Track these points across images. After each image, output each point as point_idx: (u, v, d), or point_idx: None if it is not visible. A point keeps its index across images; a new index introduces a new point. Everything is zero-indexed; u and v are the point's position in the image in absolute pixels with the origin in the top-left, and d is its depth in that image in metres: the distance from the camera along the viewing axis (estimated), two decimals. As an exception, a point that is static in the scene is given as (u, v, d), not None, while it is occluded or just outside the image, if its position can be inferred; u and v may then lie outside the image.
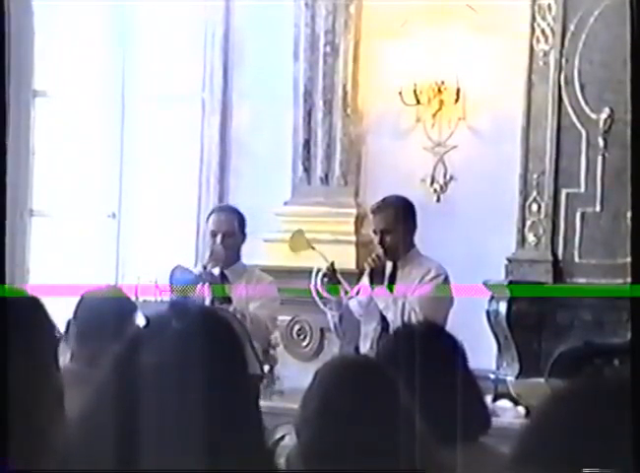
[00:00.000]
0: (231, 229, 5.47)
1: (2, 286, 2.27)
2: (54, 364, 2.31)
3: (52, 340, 2.35)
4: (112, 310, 3.83)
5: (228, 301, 5.29)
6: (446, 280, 5.25)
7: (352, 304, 5.39)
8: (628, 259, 5.93)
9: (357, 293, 5.33)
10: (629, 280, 5.63)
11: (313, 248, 5.58)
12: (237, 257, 5.51)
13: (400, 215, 5.35)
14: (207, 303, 5.34)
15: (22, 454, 2.06)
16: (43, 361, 2.25)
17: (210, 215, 5.63)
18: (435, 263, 5.32)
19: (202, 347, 1.85)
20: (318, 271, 5.32)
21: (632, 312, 2.88)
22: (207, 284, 5.30)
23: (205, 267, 5.40)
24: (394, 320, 5.14)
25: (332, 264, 5.34)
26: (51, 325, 2.37)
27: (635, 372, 1.46)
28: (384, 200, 5.49)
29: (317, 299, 5.36)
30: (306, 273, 5.52)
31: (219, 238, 5.44)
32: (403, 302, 5.16)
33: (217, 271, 5.41)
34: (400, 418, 2.27)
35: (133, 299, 4.70)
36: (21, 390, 2.14)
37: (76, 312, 3.82)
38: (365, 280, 5.37)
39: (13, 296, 2.29)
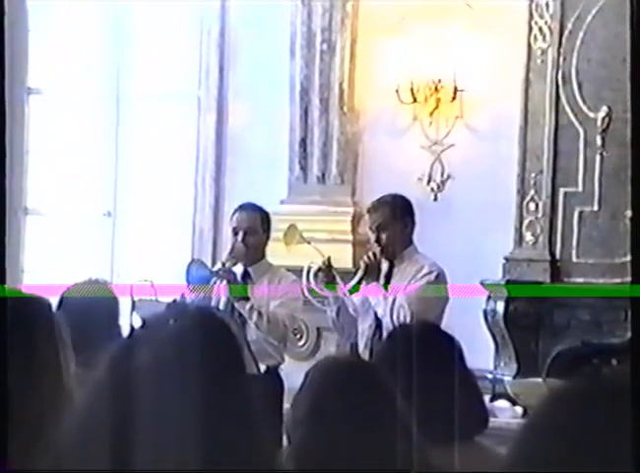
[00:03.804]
0: (254, 226, 5.44)
1: (2, 286, 2.25)
2: (56, 364, 2.29)
3: (54, 340, 2.33)
4: (94, 306, 3.85)
5: (246, 298, 5.26)
6: (438, 277, 5.21)
7: (348, 302, 5.37)
8: (626, 258, 5.92)
9: (352, 290, 5.28)
10: (627, 279, 5.62)
11: (308, 243, 5.54)
12: (261, 255, 5.47)
13: (395, 212, 5.33)
14: (223, 299, 5.32)
15: (22, 454, 2.04)
16: (45, 361, 2.24)
17: (234, 213, 5.60)
18: (430, 260, 5.30)
19: (198, 347, 1.83)
20: (309, 268, 5.28)
21: (632, 313, 2.86)
22: (224, 281, 5.27)
23: (224, 264, 5.38)
24: (383, 316, 5.13)
25: (328, 259, 5.31)
26: (54, 325, 2.35)
27: (635, 374, 1.44)
28: (380, 198, 5.48)
29: (310, 297, 5.33)
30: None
31: (240, 236, 5.42)
32: (393, 298, 5.14)
33: (239, 268, 5.38)
34: (391, 418, 2.26)
35: (128, 297, 4.70)
36: (22, 390, 2.13)
37: (58, 311, 3.80)
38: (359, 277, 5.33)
39: (13, 296, 2.27)
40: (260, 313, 5.20)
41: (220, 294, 5.33)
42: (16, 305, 2.22)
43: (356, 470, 2.21)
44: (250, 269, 5.42)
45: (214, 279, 5.28)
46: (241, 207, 5.59)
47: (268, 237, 5.51)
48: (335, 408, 2.29)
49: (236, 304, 5.25)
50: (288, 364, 5.50)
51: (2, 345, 2.11)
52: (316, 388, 2.35)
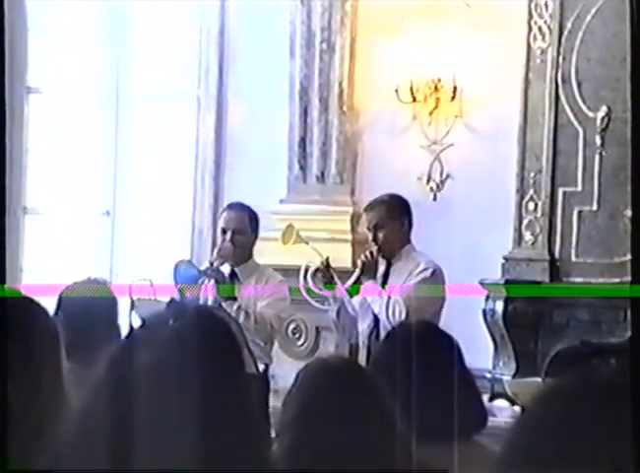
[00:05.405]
0: (241, 226, 5.43)
1: (2, 286, 2.25)
2: (54, 364, 2.29)
3: (52, 340, 2.33)
4: (93, 306, 3.86)
5: (233, 298, 5.25)
6: (434, 273, 5.22)
7: (347, 302, 5.37)
8: (625, 258, 5.92)
9: (351, 291, 5.29)
10: (626, 279, 5.62)
11: (307, 243, 5.54)
12: (249, 255, 5.46)
13: (392, 212, 5.34)
14: (210, 299, 5.31)
15: (22, 454, 2.04)
16: (44, 361, 2.24)
17: (222, 212, 5.59)
18: (427, 258, 5.30)
19: (198, 347, 1.83)
20: (307, 268, 5.28)
21: (632, 313, 2.86)
22: (211, 280, 5.26)
23: (211, 263, 5.37)
24: (379, 313, 5.14)
25: (327, 259, 5.31)
26: (51, 326, 2.35)
27: (635, 374, 1.44)
28: (377, 198, 5.49)
29: (308, 297, 5.32)
30: (302, 271, 5.48)
31: (228, 236, 5.41)
32: (388, 294, 5.15)
33: (227, 268, 5.37)
34: (381, 419, 2.25)
35: (127, 297, 4.70)
36: (21, 390, 2.13)
37: (57, 311, 3.81)
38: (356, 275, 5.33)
39: (13, 296, 2.27)
40: (247, 314, 5.18)
41: (207, 294, 5.32)
42: (13, 308, 2.22)
43: (346, 471, 2.21)
44: (237, 269, 5.41)
45: (202, 278, 5.27)
46: (229, 206, 5.59)
47: (256, 237, 5.50)
48: (324, 409, 2.28)
49: (224, 304, 5.24)
50: (287, 363, 5.52)
51: (2, 345, 2.11)
52: (306, 390, 2.35)
